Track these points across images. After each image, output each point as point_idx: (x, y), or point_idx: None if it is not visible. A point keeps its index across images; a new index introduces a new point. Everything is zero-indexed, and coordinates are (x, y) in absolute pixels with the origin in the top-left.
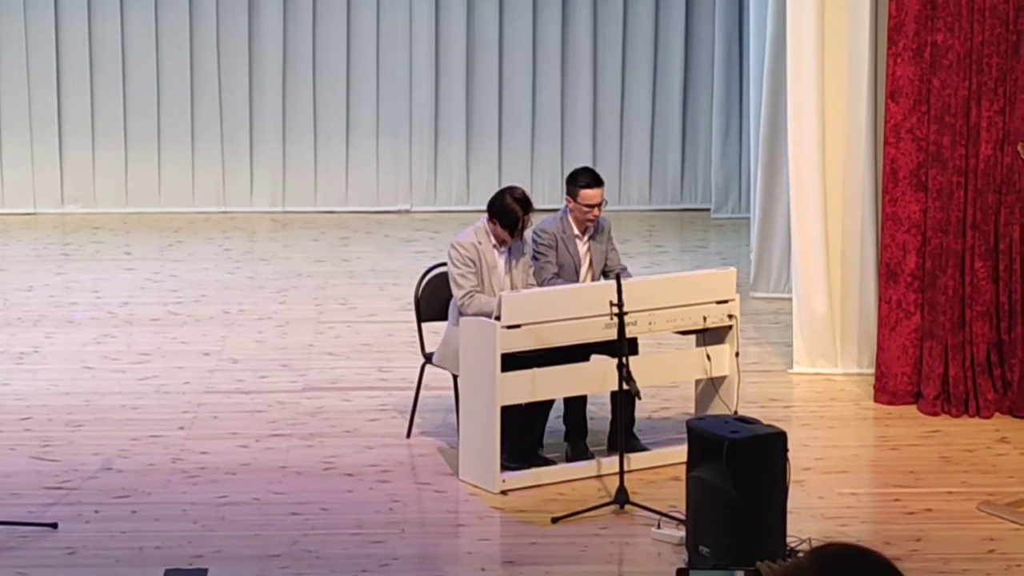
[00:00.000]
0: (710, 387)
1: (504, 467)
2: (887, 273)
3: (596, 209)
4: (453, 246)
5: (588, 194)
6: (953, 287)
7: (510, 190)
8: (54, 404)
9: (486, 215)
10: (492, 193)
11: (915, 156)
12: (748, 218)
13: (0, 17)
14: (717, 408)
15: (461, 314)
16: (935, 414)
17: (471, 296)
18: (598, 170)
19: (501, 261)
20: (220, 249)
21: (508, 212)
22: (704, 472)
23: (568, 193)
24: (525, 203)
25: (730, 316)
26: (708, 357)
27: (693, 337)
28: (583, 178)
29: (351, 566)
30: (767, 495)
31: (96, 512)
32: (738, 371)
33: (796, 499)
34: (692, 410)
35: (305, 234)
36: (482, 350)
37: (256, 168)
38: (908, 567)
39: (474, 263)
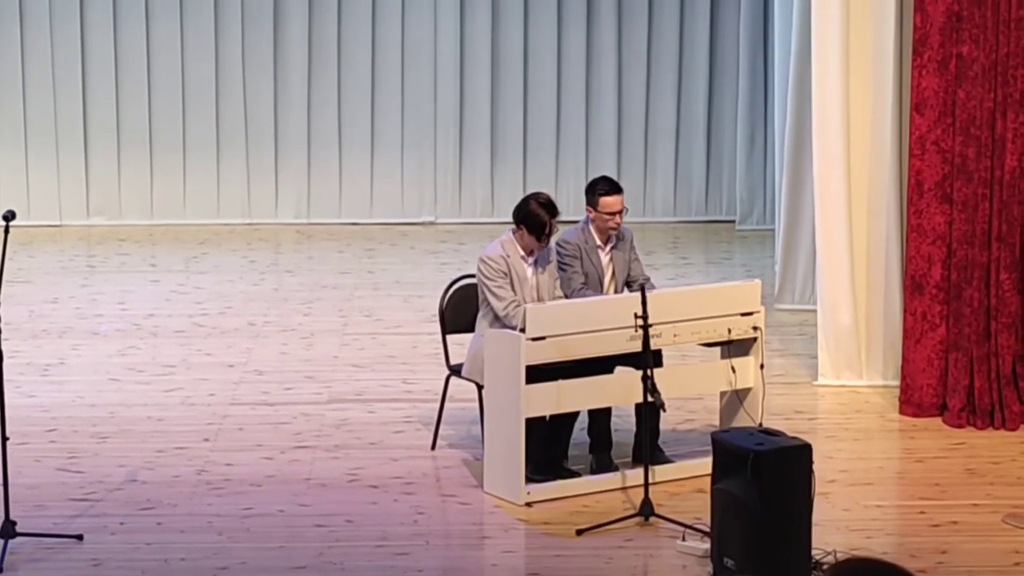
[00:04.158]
0: (735, 399)
1: (529, 479)
2: (912, 285)
3: (617, 216)
4: (483, 260)
5: (608, 201)
6: (978, 299)
7: (535, 196)
8: (79, 416)
9: (512, 226)
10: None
11: (940, 168)
12: (773, 230)
13: (26, 29)
14: (742, 420)
15: (506, 326)
16: (960, 426)
17: (515, 305)
18: (623, 182)
19: (529, 272)
20: (245, 261)
21: (534, 217)
22: (729, 484)
23: (588, 203)
24: (550, 207)
25: (755, 328)
26: (733, 369)
27: (718, 349)
28: (602, 186)
29: None
30: (792, 507)
31: (121, 524)
32: (763, 383)
33: (821, 511)
34: (717, 422)
35: (330, 246)
36: (507, 362)
37: (281, 180)
38: None
39: (506, 275)
